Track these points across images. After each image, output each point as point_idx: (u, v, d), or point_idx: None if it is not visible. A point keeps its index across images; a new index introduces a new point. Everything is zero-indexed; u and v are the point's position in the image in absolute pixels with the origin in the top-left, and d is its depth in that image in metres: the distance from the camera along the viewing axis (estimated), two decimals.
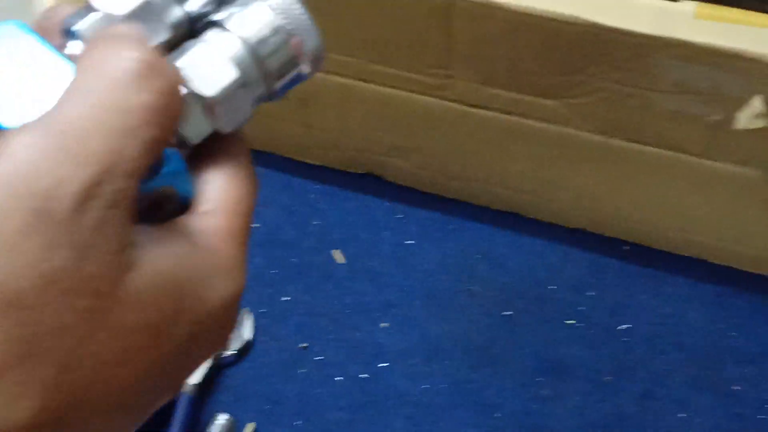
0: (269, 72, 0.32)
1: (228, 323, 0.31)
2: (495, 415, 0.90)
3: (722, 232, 0.94)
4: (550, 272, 0.98)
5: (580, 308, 0.95)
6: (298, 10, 0.33)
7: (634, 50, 0.80)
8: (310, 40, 0.33)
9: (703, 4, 0.79)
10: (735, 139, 0.83)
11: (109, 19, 0.30)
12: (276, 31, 0.32)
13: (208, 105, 0.31)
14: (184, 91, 0.30)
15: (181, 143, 0.31)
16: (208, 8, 0.32)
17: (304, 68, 0.33)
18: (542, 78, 0.86)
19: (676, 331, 0.94)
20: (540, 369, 0.92)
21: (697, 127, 0.84)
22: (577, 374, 0.92)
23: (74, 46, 0.30)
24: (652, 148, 0.88)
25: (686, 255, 0.98)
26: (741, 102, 0.80)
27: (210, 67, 0.31)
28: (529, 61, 0.85)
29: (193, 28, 0.32)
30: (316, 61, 0.34)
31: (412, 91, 0.92)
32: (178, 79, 0.29)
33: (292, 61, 0.33)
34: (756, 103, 0.78)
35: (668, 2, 0.80)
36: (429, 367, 0.93)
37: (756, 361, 0.92)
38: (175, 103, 0.28)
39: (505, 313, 0.96)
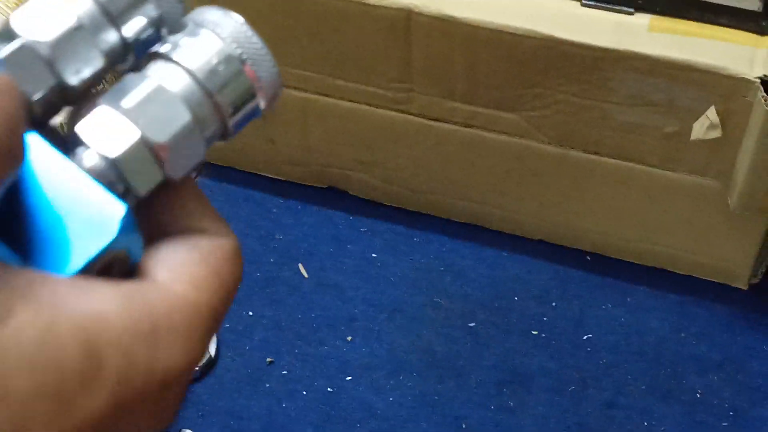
0: (222, 107, 0.28)
1: (172, 398, 0.26)
2: (461, 426, 0.90)
3: (681, 241, 0.95)
4: (514, 283, 0.99)
5: (543, 319, 0.96)
6: (250, 36, 0.29)
7: (591, 63, 0.81)
8: (265, 68, 0.29)
9: (657, 17, 0.80)
10: (691, 150, 0.84)
11: (32, 48, 0.27)
12: (227, 60, 0.28)
13: (158, 151, 0.27)
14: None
15: (128, 194, 0.27)
16: (147, 34, 0.29)
17: (261, 100, 0.29)
18: (501, 91, 0.86)
19: (639, 340, 0.95)
20: (505, 380, 0.92)
21: (653, 138, 0.85)
22: (541, 385, 0.92)
23: None
24: (610, 159, 0.89)
25: (648, 265, 0.99)
26: (696, 113, 0.81)
27: (158, 109, 0.27)
28: (487, 74, 0.85)
29: (130, 53, 0.29)
30: (273, 93, 0.30)
31: (373, 106, 0.93)
32: (5, 79, 0.24)
33: (247, 93, 0.29)
34: (710, 114, 0.79)
35: (623, 15, 0.81)
36: (394, 380, 0.93)
37: (718, 368, 0.93)
38: (3, 102, 0.24)
39: (469, 324, 0.96)
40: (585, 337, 0.95)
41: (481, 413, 0.91)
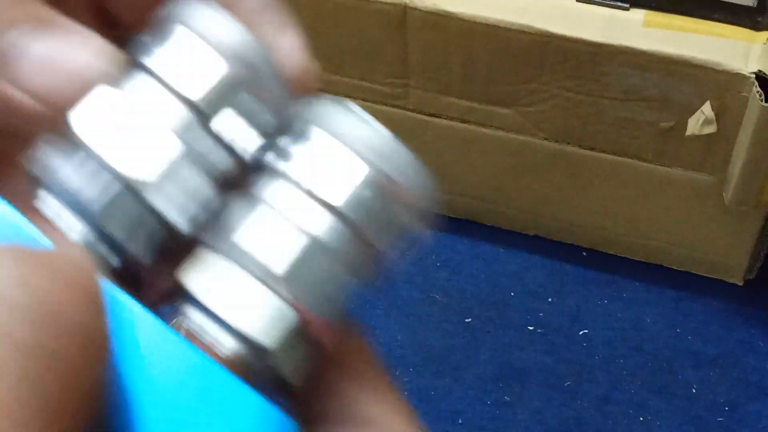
0: (370, 244, 0.20)
1: None
2: (457, 421, 0.90)
3: (677, 237, 0.95)
4: (510, 279, 0.99)
5: (539, 314, 0.96)
6: (390, 143, 0.20)
7: (586, 58, 0.81)
8: (416, 184, 0.21)
9: (652, 13, 0.80)
10: (686, 146, 0.84)
11: (132, 190, 0.19)
12: (369, 182, 0.20)
13: (315, 331, 0.20)
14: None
15: (277, 388, 0.20)
16: (260, 151, 0.20)
17: (416, 225, 0.21)
18: (496, 86, 0.86)
19: (635, 335, 0.95)
20: (501, 375, 0.93)
21: (648, 133, 0.85)
22: (537, 380, 0.92)
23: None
24: (605, 154, 0.89)
25: (643, 260, 0.99)
26: (691, 109, 0.81)
27: (305, 268, 0.19)
28: (483, 69, 0.86)
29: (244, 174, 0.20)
30: (428, 211, 0.22)
31: (369, 101, 0.93)
32: (90, 276, 0.16)
33: (400, 222, 0.21)
34: (705, 110, 0.80)
35: (618, 11, 0.81)
36: (391, 375, 0.93)
37: (713, 363, 0.93)
38: (82, 279, 0.16)
39: (466, 320, 0.96)
40: (581, 333, 0.95)
41: (478, 408, 0.91)
